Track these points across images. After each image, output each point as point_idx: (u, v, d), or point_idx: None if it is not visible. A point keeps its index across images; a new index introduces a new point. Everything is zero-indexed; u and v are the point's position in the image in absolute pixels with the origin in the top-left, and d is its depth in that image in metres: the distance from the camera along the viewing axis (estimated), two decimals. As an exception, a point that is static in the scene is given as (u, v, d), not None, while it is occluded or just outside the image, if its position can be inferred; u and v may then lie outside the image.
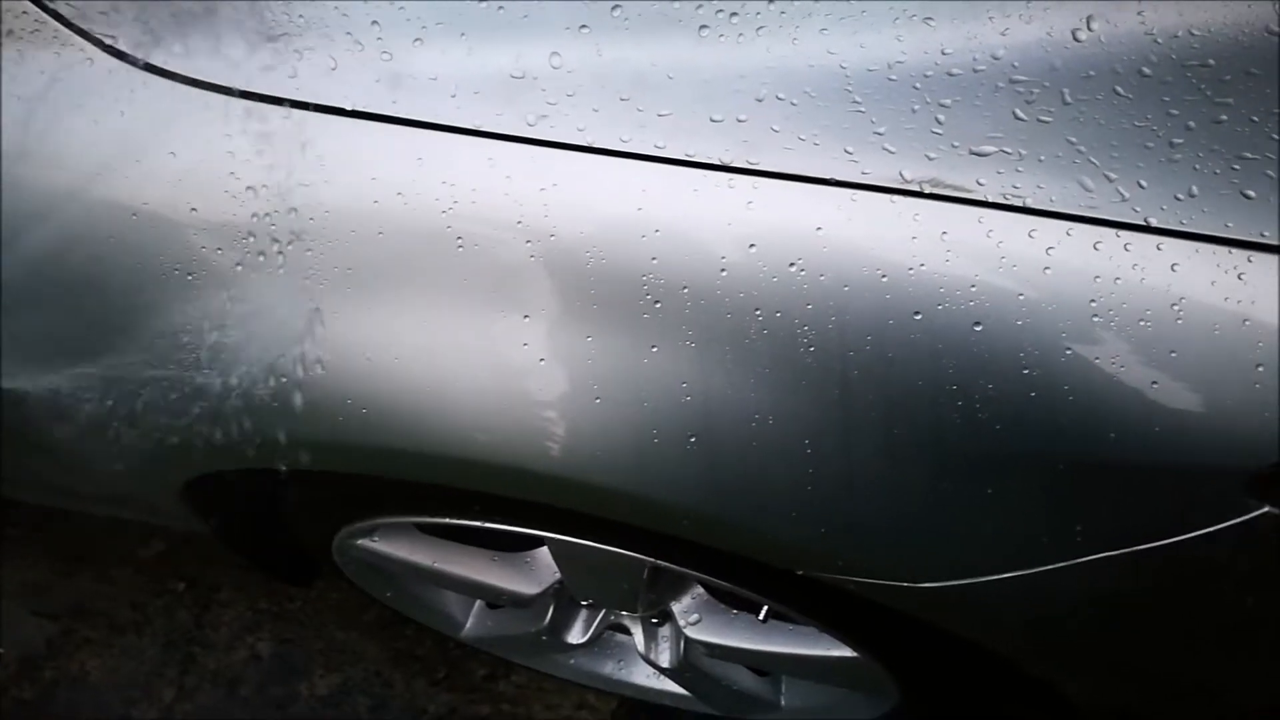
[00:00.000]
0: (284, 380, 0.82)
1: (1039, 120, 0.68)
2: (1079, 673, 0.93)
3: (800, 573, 0.83)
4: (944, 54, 0.70)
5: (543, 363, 0.76)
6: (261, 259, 0.79)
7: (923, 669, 1.05)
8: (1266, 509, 0.70)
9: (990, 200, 0.67)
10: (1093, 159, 0.67)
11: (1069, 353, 0.67)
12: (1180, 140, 0.67)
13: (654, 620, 1.28)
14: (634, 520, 0.84)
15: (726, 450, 0.75)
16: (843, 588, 0.83)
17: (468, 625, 1.45)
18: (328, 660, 1.68)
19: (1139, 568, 0.76)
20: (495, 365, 0.77)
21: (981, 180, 0.67)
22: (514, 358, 0.77)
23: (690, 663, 1.27)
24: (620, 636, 1.45)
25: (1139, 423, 0.68)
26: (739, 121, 0.70)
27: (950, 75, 0.69)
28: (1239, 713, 1.22)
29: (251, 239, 0.78)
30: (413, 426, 0.80)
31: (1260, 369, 0.65)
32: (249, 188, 0.77)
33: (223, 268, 0.80)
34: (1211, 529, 0.72)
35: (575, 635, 1.33)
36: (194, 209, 0.78)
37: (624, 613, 1.30)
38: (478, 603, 1.45)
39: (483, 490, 0.86)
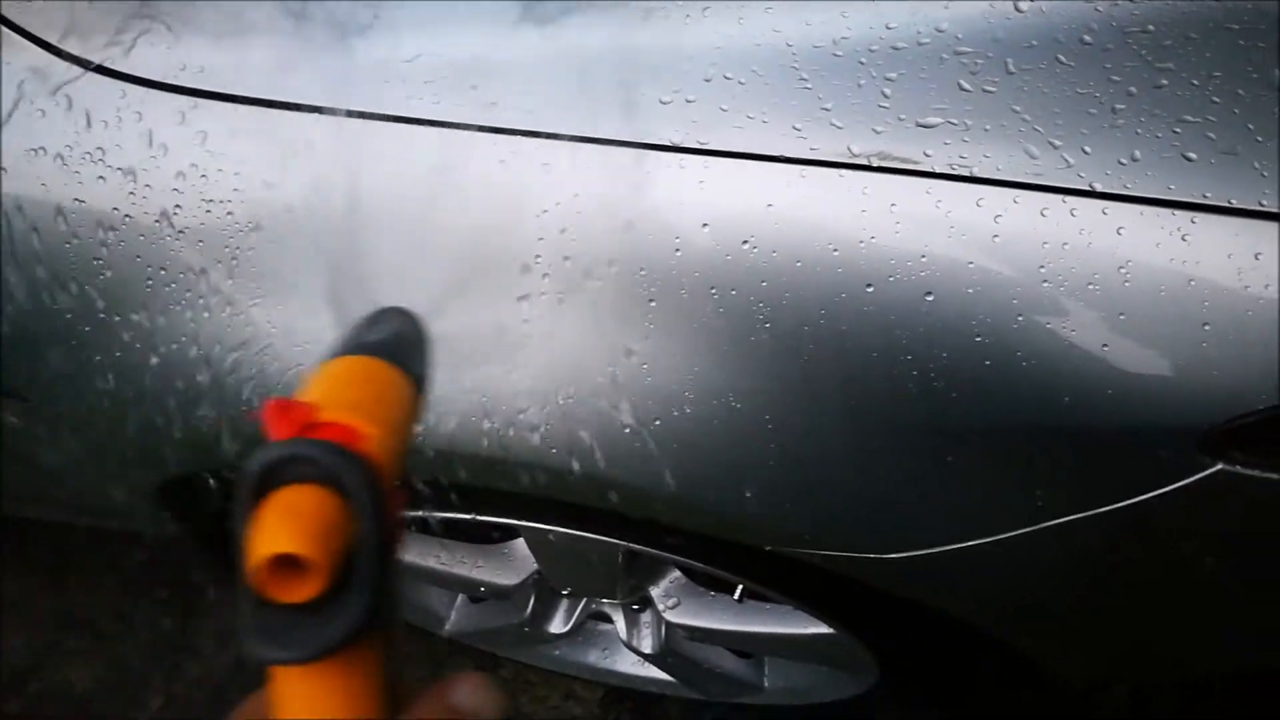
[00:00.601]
0: (252, 376, 0.83)
1: (984, 91, 0.69)
2: (1047, 639, 0.94)
3: (769, 549, 0.83)
4: (889, 28, 0.70)
5: (509, 350, 0.77)
6: (233, 258, 0.79)
7: (897, 643, 1.06)
8: (1220, 466, 0.71)
9: (938, 171, 0.68)
10: (1037, 127, 0.68)
11: (1020, 319, 0.68)
12: (1122, 106, 0.68)
13: (635, 607, 1.29)
14: (604, 504, 0.84)
15: (690, 430, 0.76)
16: (812, 563, 0.84)
17: (450, 620, 1.45)
18: (313, 662, 1.68)
19: (1101, 532, 0.77)
20: (461, 355, 0.78)
21: (929, 151, 0.68)
22: (481, 345, 0.77)
23: (673, 648, 1.28)
24: (603, 625, 1.46)
25: (1092, 386, 0.69)
26: (688, 102, 0.71)
27: (895, 49, 0.70)
28: (1207, 677, 1.24)
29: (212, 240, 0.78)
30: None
31: (1207, 328, 0.66)
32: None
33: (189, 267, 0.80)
34: (1168, 489, 0.73)
35: (557, 625, 1.33)
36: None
37: (604, 601, 1.30)
38: (460, 597, 1.45)
39: (454, 481, 0.86)
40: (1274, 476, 0.72)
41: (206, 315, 0.82)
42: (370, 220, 0.70)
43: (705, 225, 0.70)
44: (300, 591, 0.34)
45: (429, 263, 0.75)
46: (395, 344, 0.48)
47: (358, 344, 0.46)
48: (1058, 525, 0.78)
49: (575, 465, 0.79)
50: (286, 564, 0.34)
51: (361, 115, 0.74)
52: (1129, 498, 0.75)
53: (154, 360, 0.85)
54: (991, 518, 0.78)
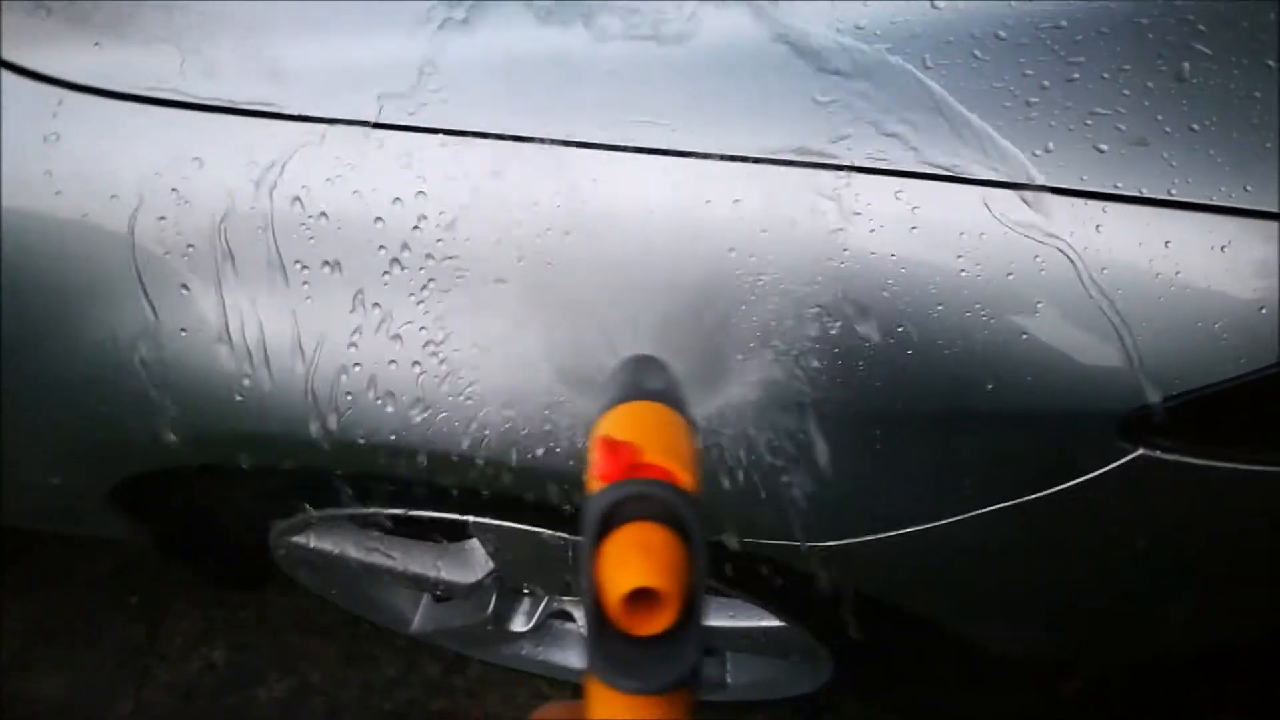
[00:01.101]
0: (205, 373, 0.83)
1: (901, 86, 0.70)
2: (986, 624, 0.95)
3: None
4: (808, 27, 0.72)
5: (446, 345, 0.78)
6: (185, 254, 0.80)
7: (845, 633, 1.07)
8: (1140, 451, 0.73)
9: (856, 165, 0.69)
10: (953, 120, 0.70)
11: (940, 308, 0.70)
12: (1036, 99, 0.69)
13: (595, 604, 1.30)
14: (542, 498, 0.85)
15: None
16: (752, 553, 0.86)
17: (416, 620, 1.46)
18: (283, 665, 1.69)
19: (1030, 519, 0.79)
20: (403, 350, 0.79)
21: (848, 146, 0.70)
22: (417, 341, 0.78)
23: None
24: (568, 624, 1.47)
25: (1012, 374, 0.71)
26: (603, 102, 0.72)
27: (813, 48, 0.71)
28: (1153, 660, 1.25)
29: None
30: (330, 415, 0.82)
31: (1121, 315, 0.68)
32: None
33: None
34: (1092, 475, 0.75)
35: (519, 624, 1.34)
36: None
37: (565, 598, 1.31)
38: (425, 597, 1.46)
39: (394, 475, 0.87)
40: (1192, 460, 0.74)
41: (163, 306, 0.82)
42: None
43: (638, 220, 0.72)
44: (649, 625, 0.36)
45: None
46: (673, 391, 0.51)
47: (644, 390, 0.49)
48: (988, 513, 0.79)
49: (514, 457, 0.80)
50: (636, 598, 0.36)
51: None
52: (1054, 485, 0.77)
53: (107, 356, 0.86)
54: (920, 506, 0.80)
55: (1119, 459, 0.74)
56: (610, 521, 0.38)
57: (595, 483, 0.41)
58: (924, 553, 0.83)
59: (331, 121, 0.76)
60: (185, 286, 0.81)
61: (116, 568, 1.83)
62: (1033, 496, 0.78)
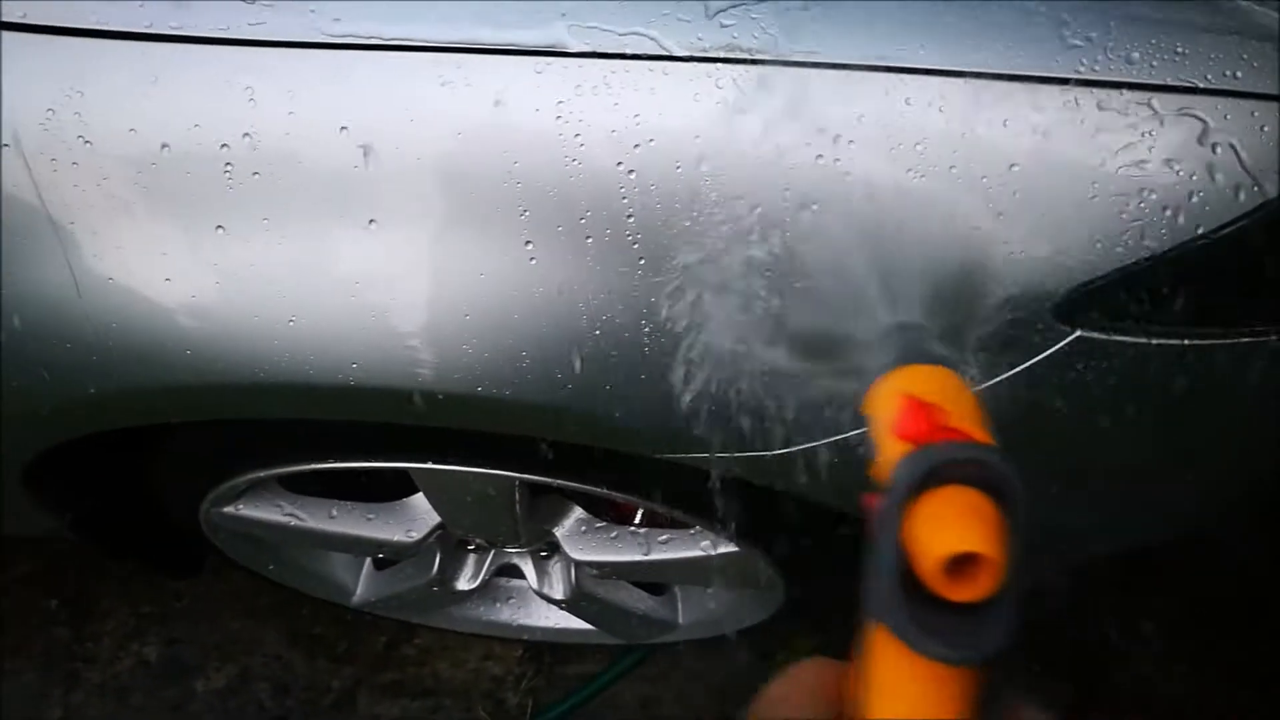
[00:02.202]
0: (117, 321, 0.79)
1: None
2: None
3: (658, 457, 0.84)
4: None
5: (388, 273, 0.75)
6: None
7: (799, 550, 1.08)
8: (1079, 333, 0.75)
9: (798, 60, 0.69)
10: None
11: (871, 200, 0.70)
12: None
13: (542, 554, 1.29)
14: (494, 427, 0.84)
15: (562, 340, 0.76)
16: (703, 469, 0.85)
17: (358, 590, 1.43)
18: (222, 652, 1.63)
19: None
20: (340, 281, 0.76)
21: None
22: (359, 271, 0.76)
23: (584, 591, 1.28)
24: (514, 581, 1.45)
25: (946, 264, 0.71)
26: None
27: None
28: (1094, 560, 1.30)
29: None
30: (260, 357, 0.78)
31: (1050, 199, 0.69)
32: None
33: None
34: (1033, 360, 0.76)
35: (465, 581, 1.32)
36: None
37: (510, 549, 1.30)
38: (365, 565, 1.43)
39: (340, 419, 0.84)
40: (1128, 339, 0.75)
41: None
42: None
43: (578, 135, 0.70)
44: (966, 591, 0.35)
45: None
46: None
47: (928, 354, 0.47)
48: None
49: (462, 389, 0.78)
50: (954, 563, 0.34)
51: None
52: (997, 375, 0.78)
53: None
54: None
55: (1058, 342, 0.75)
56: (927, 483, 0.37)
57: (894, 441, 0.40)
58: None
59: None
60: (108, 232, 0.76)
61: (33, 572, 1.74)
62: (976, 388, 0.79)
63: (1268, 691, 1.48)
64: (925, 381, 0.45)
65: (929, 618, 0.36)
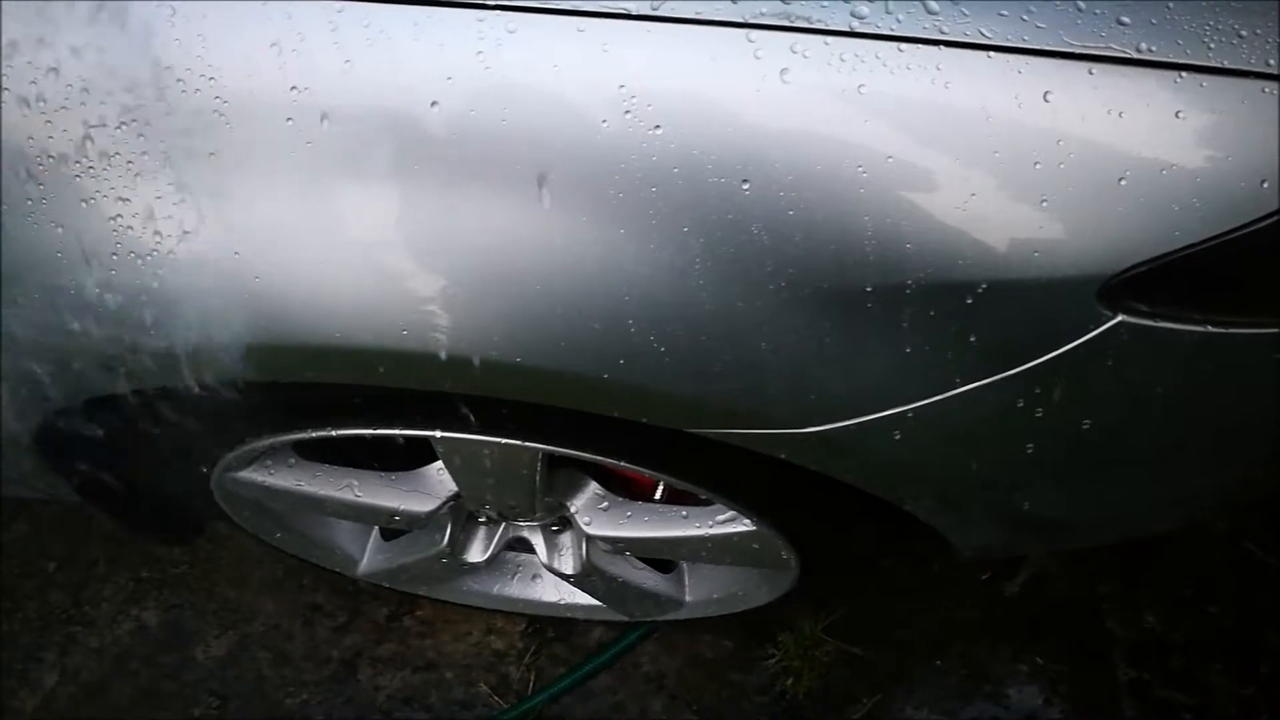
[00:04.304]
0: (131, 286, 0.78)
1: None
2: (952, 511, 0.97)
3: (690, 431, 0.83)
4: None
5: (411, 237, 0.74)
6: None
7: (818, 531, 1.08)
8: (1120, 318, 0.74)
9: (834, 28, 0.67)
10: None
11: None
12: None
13: (554, 528, 1.28)
14: (522, 396, 0.83)
15: (599, 310, 0.75)
16: (732, 444, 0.84)
17: (364, 561, 1.42)
18: (222, 620, 1.63)
19: (1011, 396, 0.79)
20: (362, 245, 0.75)
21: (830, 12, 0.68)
22: (381, 233, 0.74)
23: (594, 565, 1.28)
24: (521, 556, 1.44)
25: (983, 245, 0.70)
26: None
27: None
28: (1108, 543, 1.30)
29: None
30: (282, 320, 0.77)
31: (1122, 180, 0.68)
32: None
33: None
34: (1072, 344, 0.76)
35: (476, 554, 1.31)
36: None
37: (523, 522, 1.29)
38: (372, 536, 1.42)
39: (364, 384, 0.83)
40: (1170, 326, 0.75)
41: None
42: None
43: (628, 108, 0.69)
44: None
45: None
46: None
47: None
48: (968, 391, 0.79)
49: (490, 356, 0.77)
50: None
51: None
52: (1036, 358, 0.77)
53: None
54: (902, 386, 0.79)
55: (1099, 327, 0.74)
56: None
57: None
58: (898, 437, 0.83)
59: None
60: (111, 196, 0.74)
61: (29, 534, 1.73)
62: (1013, 372, 0.78)
63: None
64: None
65: None
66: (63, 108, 0.73)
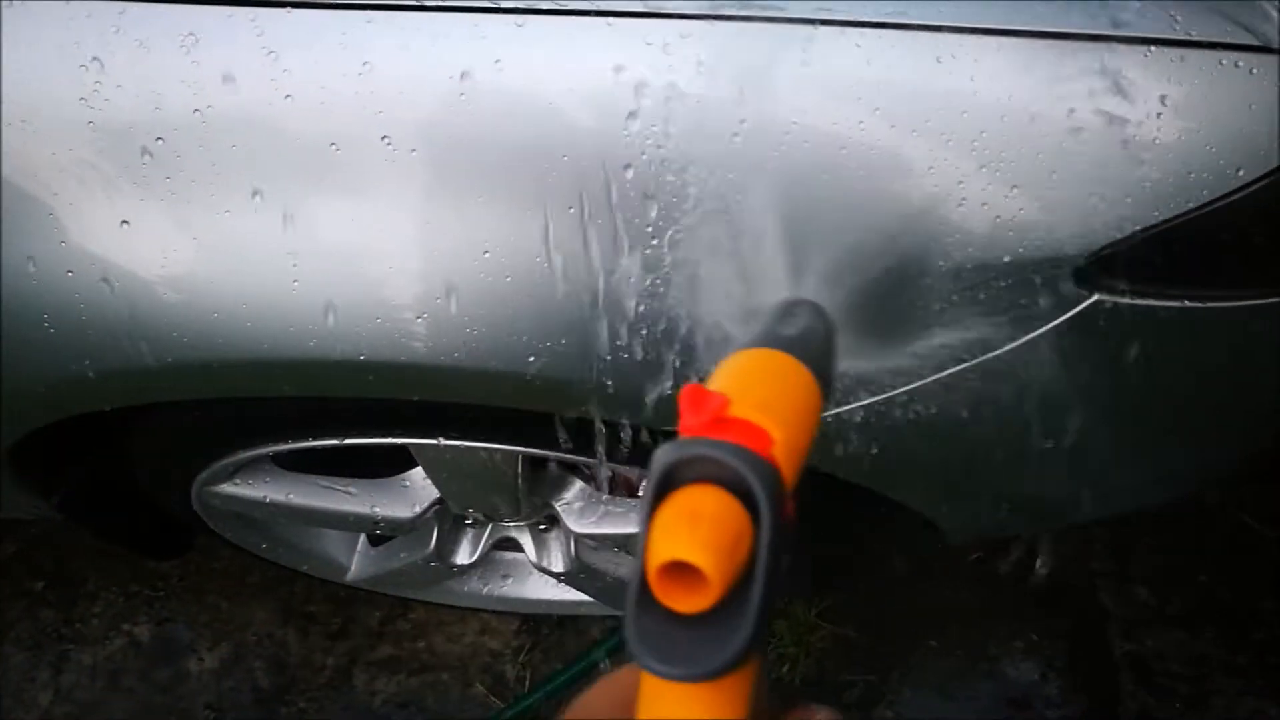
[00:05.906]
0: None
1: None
2: (938, 497, 0.96)
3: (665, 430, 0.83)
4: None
5: (386, 247, 0.73)
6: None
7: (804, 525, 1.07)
8: (1096, 297, 0.73)
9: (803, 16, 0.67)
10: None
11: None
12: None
13: (541, 527, 1.27)
14: (497, 402, 0.82)
15: (570, 315, 0.74)
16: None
17: (353, 567, 1.41)
18: (215, 632, 1.62)
19: (991, 378, 0.79)
20: (336, 255, 0.74)
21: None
22: (355, 245, 0.73)
23: (583, 562, 1.27)
24: (510, 555, 1.43)
25: (960, 229, 0.70)
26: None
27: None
28: (1093, 521, 1.30)
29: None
30: (257, 333, 0.76)
31: (1066, 160, 0.67)
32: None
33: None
34: (1050, 325, 0.75)
35: (464, 556, 1.31)
36: None
37: (509, 524, 1.28)
38: (360, 542, 1.41)
39: (340, 396, 0.82)
40: (1146, 302, 0.74)
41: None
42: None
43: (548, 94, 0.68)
44: (691, 602, 0.32)
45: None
46: (807, 341, 0.46)
47: (772, 337, 0.44)
48: (949, 376, 0.79)
49: (464, 363, 0.76)
50: (683, 569, 0.32)
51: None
52: (1015, 339, 0.76)
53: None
54: (883, 374, 0.79)
55: (1076, 306, 0.74)
56: (672, 481, 0.34)
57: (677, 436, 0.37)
58: (881, 424, 0.82)
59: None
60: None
61: (16, 554, 1.72)
62: (991, 355, 0.77)
63: None
64: (739, 368, 0.42)
65: (669, 628, 0.33)
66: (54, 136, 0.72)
